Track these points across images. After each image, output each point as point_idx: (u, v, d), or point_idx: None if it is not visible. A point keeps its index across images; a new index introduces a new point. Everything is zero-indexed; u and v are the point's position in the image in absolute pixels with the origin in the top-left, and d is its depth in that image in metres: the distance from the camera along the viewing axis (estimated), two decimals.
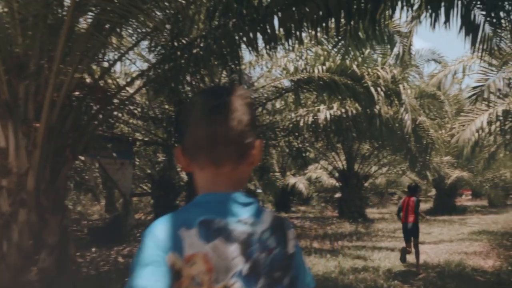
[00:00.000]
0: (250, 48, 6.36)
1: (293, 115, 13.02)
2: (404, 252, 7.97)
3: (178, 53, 6.24)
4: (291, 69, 10.59)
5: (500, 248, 10.08)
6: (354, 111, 11.66)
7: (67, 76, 4.98)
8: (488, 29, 6.27)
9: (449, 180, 21.39)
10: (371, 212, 21.52)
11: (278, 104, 13.78)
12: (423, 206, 27.65)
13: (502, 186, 25.19)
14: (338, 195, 32.20)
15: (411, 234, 8.24)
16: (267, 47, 6.27)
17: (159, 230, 1.00)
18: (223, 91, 1.10)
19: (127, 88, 9.26)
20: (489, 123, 9.40)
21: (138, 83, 8.75)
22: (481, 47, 6.36)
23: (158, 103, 12.67)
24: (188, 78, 8.52)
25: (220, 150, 1.03)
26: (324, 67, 10.10)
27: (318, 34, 7.40)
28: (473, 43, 6.28)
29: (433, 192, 32.08)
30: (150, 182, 17.96)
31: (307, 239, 12.66)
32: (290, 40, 6.39)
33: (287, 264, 1.05)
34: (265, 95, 13.06)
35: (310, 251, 10.69)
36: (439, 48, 69.43)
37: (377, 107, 10.27)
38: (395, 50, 11.09)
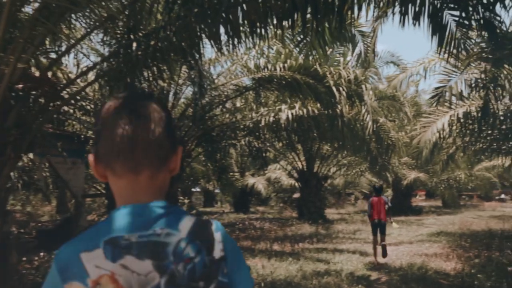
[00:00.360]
0: (212, 42, 6.01)
1: (254, 114, 12.75)
2: (383, 248, 8.99)
3: (134, 45, 5.81)
4: (252, 66, 10.30)
5: (460, 249, 10.13)
6: (316, 111, 11.51)
7: (9, 66, 4.49)
8: (455, 29, 6.18)
9: (406, 181, 21.69)
10: (330, 213, 21.55)
11: (238, 103, 13.47)
12: None
13: (456, 187, 25.82)
14: (296, 195, 32.33)
15: (381, 229, 9.42)
16: (230, 41, 5.94)
17: (62, 256, 0.96)
18: (141, 96, 1.07)
19: (79, 82, 8.74)
20: (450, 125, 9.43)
21: (91, 77, 8.23)
22: (447, 48, 6.26)
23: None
24: (145, 73, 8.11)
25: (138, 155, 0.98)
26: (286, 65, 9.88)
27: (283, 30, 7.17)
28: (440, 43, 6.17)
29: (388, 192, 32.70)
30: (104, 182, 17.27)
31: (267, 241, 12.40)
32: (253, 36, 6.09)
33: (211, 271, 0.97)
34: (226, 93, 12.75)
35: (270, 253, 10.44)
36: (397, 51, 70.93)
37: (339, 107, 10.11)
38: (357, 50, 11.03)
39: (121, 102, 1.02)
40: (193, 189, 34.51)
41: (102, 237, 0.94)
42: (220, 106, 13.52)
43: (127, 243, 0.93)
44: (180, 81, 12.41)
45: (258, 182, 24.81)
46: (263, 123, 11.82)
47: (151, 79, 9.09)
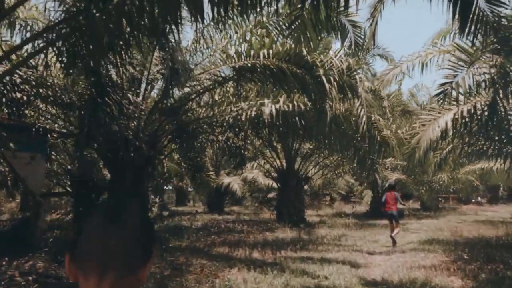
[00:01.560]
0: (193, 12, 4.84)
1: (233, 108, 11.61)
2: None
3: (93, 10, 4.61)
4: (233, 53, 9.15)
5: (460, 261, 9.21)
6: (302, 106, 10.45)
7: None
8: (483, 5, 5.18)
9: (387, 183, 20.79)
10: (308, 215, 20.52)
11: (217, 96, 12.30)
12: (359, 208, 27.33)
13: (437, 190, 25.22)
14: (271, 194, 31.31)
15: (394, 218, 12.77)
16: (215, 12, 4.79)
17: None
18: (123, 206, 1.10)
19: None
20: (454, 123, 8.49)
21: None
22: (473, 28, 5.26)
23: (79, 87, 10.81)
24: (112, 58, 6.92)
25: (107, 260, 1.01)
26: (271, 52, 8.77)
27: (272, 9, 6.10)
28: (463, 23, 5.15)
29: (362, 194, 32.01)
30: (70, 179, 16.06)
31: (246, 248, 11.30)
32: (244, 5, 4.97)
33: None
34: (203, 84, 11.59)
35: (251, 263, 9.33)
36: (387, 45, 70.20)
37: (328, 101, 9.04)
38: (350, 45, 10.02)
39: (103, 211, 1.09)
40: (165, 187, 33.14)
41: None
42: (197, 99, 12.33)
43: None
44: (154, 69, 11.24)
45: (233, 182, 23.64)
46: (244, 118, 10.69)
47: (119, 64, 7.90)
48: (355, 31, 10.56)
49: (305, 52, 8.34)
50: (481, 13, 5.14)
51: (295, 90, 9.08)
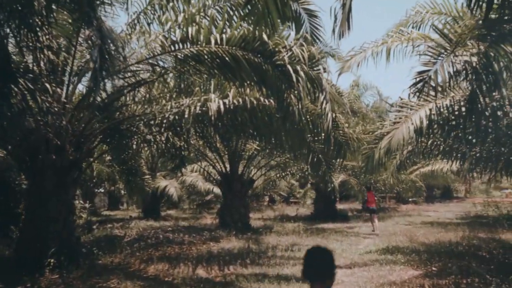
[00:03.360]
0: None
1: (174, 104, 10.15)
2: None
3: None
4: (177, 37, 7.70)
5: (432, 275, 8.31)
6: (254, 102, 9.19)
7: None
8: None
9: (334, 184, 19.98)
10: (252, 219, 19.28)
11: (155, 90, 10.78)
12: (302, 210, 26.48)
13: (381, 191, 24.92)
14: (208, 197, 29.91)
15: (374, 212, 16.62)
16: None
17: None
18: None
19: None
20: (431, 120, 7.55)
21: None
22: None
23: None
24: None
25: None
26: (224, 37, 7.43)
27: None
28: None
29: (305, 196, 31.39)
30: None
31: (189, 263, 9.91)
32: None
33: None
34: (139, 76, 10.09)
35: (196, 284, 7.98)
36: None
37: (293, 96, 7.81)
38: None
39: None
40: (96, 190, 30.83)
41: None
42: (132, 93, 10.75)
43: None
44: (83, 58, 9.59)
45: (170, 185, 22.00)
46: (187, 115, 9.27)
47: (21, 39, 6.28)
48: (312, 20, 9.48)
49: (265, 37, 7.06)
50: None
51: (252, 82, 7.77)
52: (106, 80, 8.68)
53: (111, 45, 5.81)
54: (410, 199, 34.88)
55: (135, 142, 11.76)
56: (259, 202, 34.55)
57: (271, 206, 33.14)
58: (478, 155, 10.25)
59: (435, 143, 9.53)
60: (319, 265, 2.36)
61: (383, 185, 22.96)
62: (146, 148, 13.66)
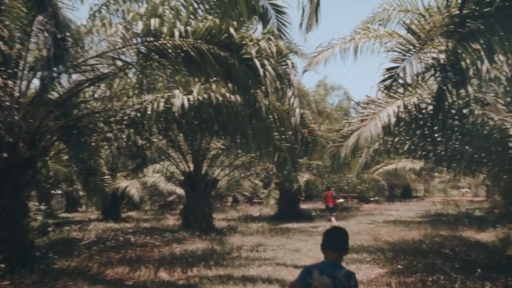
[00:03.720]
0: None
1: (136, 101, 9.77)
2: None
3: None
4: (139, 29, 7.33)
5: (397, 273, 8.26)
6: (219, 98, 8.92)
7: None
8: None
9: (297, 184, 19.89)
10: (216, 219, 18.98)
11: (116, 86, 10.34)
12: (266, 211, 26.32)
13: (344, 190, 25.05)
14: (170, 198, 29.33)
15: (333, 211, 19.56)
16: None
17: (308, 269, 2.93)
18: None
19: None
20: (398, 118, 7.49)
21: None
22: None
23: None
24: None
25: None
26: (189, 29, 7.14)
27: None
28: None
29: (269, 196, 31.21)
30: None
31: (150, 266, 9.51)
32: None
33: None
34: (99, 71, 9.63)
35: (158, 287, 7.67)
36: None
37: (259, 91, 7.59)
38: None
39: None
40: (53, 191, 29.73)
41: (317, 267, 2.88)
42: (91, 88, 10.29)
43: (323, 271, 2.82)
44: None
45: (131, 186, 21.38)
46: (149, 112, 8.91)
47: None
48: (279, 17, 9.29)
49: (232, 30, 6.81)
50: None
51: (218, 77, 7.49)
52: (63, 74, 8.25)
53: (67, 33, 5.40)
54: (371, 199, 35.31)
55: (94, 140, 11.27)
56: (222, 203, 34.16)
57: (234, 206, 32.85)
58: (442, 153, 10.35)
59: (400, 141, 9.49)
60: (339, 239, 2.99)
61: (346, 184, 23.06)
62: (106, 147, 13.15)
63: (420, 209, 27.79)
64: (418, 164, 16.97)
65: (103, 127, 10.64)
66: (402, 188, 41.19)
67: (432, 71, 7.08)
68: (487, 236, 13.04)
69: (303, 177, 19.94)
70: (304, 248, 11.55)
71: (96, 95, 10.71)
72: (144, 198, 30.70)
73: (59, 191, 31.86)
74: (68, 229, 17.10)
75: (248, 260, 10.02)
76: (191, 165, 16.31)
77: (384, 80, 6.65)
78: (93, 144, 11.35)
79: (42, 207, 23.45)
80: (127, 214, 26.44)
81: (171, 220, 19.74)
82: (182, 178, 16.92)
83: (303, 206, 26.10)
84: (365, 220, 20.17)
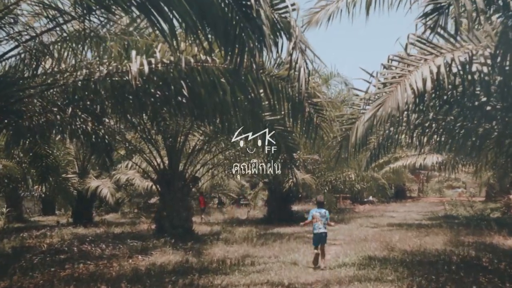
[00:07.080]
0: None
1: (82, 68, 7.34)
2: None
3: None
4: None
5: None
6: (191, 60, 6.56)
7: None
8: None
9: (293, 180, 17.44)
10: (197, 224, 16.57)
11: (56, 51, 7.89)
12: (254, 213, 23.99)
13: (340, 190, 22.80)
14: (154, 199, 26.88)
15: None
16: None
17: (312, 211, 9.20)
18: None
19: None
20: (438, 80, 5.16)
21: None
22: None
23: None
24: None
25: None
26: None
27: None
28: None
29: (257, 197, 28.87)
30: None
31: (102, 285, 7.13)
32: None
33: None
34: (34, 29, 7.28)
35: None
36: None
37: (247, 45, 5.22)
38: None
39: None
40: (22, 193, 26.91)
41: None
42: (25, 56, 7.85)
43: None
44: None
45: (103, 186, 18.85)
46: (96, 77, 6.53)
47: None
48: None
49: None
50: None
51: (188, 20, 5.02)
52: None
53: None
54: (366, 199, 33.19)
55: (37, 126, 8.84)
56: (207, 205, 31.69)
57: (218, 207, 30.49)
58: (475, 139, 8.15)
59: (433, 118, 7.23)
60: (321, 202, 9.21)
61: (342, 183, 20.79)
62: (59, 136, 10.68)
63: (420, 210, 25.78)
64: (430, 159, 14.81)
65: (45, 106, 8.24)
66: (396, 188, 39.09)
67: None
68: None
69: (297, 175, 17.57)
70: (303, 260, 9.25)
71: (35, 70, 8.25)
72: (123, 199, 28.20)
73: (34, 193, 29.12)
74: (26, 236, 14.63)
75: (232, 277, 7.65)
76: (166, 161, 13.88)
77: (426, 15, 4.34)
78: (35, 129, 8.91)
79: (4, 209, 20.96)
80: (102, 218, 23.78)
81: (146, 225, 17.17)
82: (156, 176, 14.49)
83: (294, 207, 23.73)
84: (366, 223, 17.87)
